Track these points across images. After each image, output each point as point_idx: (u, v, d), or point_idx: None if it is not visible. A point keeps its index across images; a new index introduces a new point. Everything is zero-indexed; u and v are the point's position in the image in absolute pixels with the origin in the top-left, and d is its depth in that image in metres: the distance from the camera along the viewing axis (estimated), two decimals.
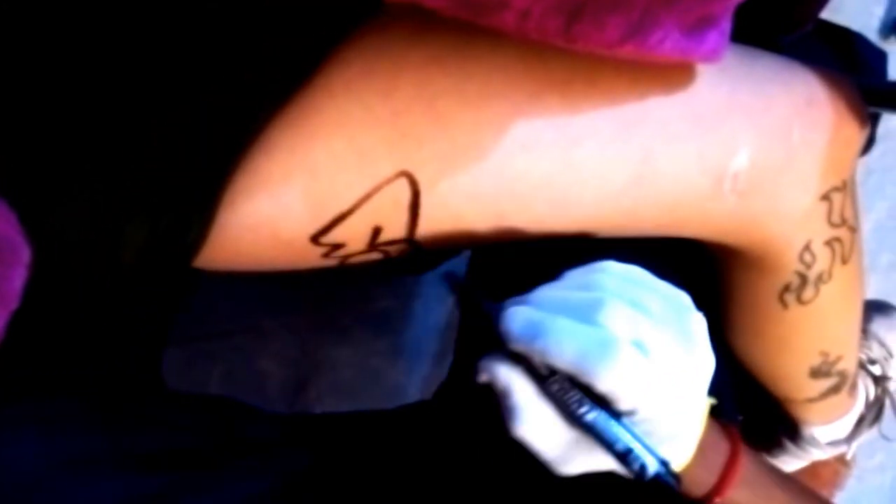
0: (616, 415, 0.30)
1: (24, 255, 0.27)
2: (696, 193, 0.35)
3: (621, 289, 0.31)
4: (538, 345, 0.29)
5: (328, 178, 0.31)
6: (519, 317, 0.30)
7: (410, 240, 0.34)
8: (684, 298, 0.33)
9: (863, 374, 0.66)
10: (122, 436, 0.34)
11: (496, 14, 0.26)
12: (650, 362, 0.29)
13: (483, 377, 0.32)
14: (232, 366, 0.94)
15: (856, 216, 0.42)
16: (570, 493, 0.44)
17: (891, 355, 0.69)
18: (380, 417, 0.51)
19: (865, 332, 0.70)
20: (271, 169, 0.31)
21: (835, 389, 0.52)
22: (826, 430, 0.59)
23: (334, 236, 0.33)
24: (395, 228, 0.33)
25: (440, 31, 0.31)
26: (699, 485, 0.36)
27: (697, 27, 0.29)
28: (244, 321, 0.93)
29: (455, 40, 0.31)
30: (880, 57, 0.76)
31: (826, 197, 0.38)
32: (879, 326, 0.71)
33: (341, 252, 0.34)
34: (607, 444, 0.30)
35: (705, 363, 0.32)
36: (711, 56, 0.30)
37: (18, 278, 0.27)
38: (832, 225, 0.39)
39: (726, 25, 0.31)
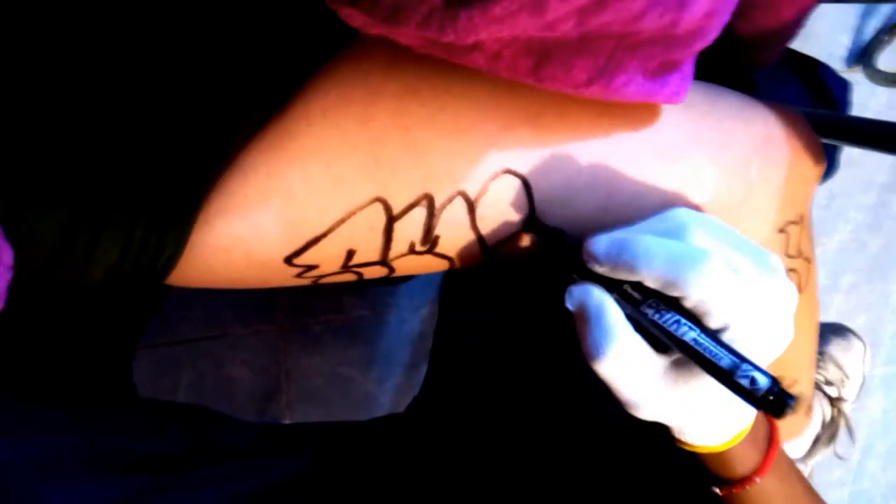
0: (700, 323, 0.29)
1: (6, 255, 0.27)
2: None
3: (702, 221, 0.31)
4: (626, 257, 0.29)
5: (304, 202, 0.32)
6: (603, 239, 0.30)
7: (384, 262, 0.34)
8: (762, 248, 0.32)
9: (819, 395, 0.68)
10: (97, 440, 0.34)
11: (467, 55, 0.27)
12: (742, 280, 0.29)
13: (572, 303, 0.32)
14: (201, 372, 0.93)
15: (811, 248, 0.43)
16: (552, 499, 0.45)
17: (847, 377, 0.71)
18: (353, 429, 0.51)
19: (823, 354, 0.72)
20: (247, 191, 0.31)
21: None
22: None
23: (308, 258, 0.33)
24: (368, 251, 0.34)
25: (417, 63, 0.32)
26: (744, 463, 0.36)
27: (660, 71, 0.30)
28: (214, 328, 0.93)
29: (431, 72, 0.32)
30: (843, 86, 0.79)
31: (783, 230, 0.40)
32: (836, 349, 0.74)
33: (314, 273, 0.34)
34: (710, 362, 0.28)
35: (790, 292, 0.31)
36: (673, 98, 0.32)
37: (1, 279, 0.27)
38: (789, 256, 0.41)
39: (688, 69, 0.32)
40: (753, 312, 0.29)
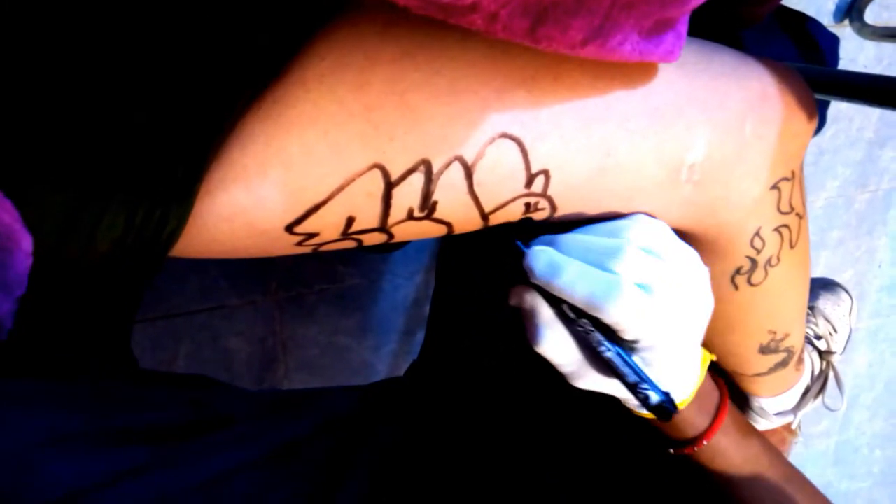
0: (621, 342, 0.36)
1: (26, 242, 0.27)
2: (653, 183, 0.37)
3: (642, 237, 0.36)
4: (556, 283, 0.35)
5: (303, 170, 0.32)
6: (542, 257, 0.35)
7: (383, 228, 0.35)
8: (694, 255, 0.38)
9: (809, 348, 0.69)
10: (102, 412, 0.35)
11: (465, 15, 0.27)
12: (652, 301, 0.34)
13: (513, 300, 0.39)
14: (198, 345, 0.93)
15: (803, 203, 0.44)
16: (557, 462, 0.47)
17: (835, 331, 0.73)
18: (354, 393, 0.52)
19: (812, 308, 0.74)
20: (247, 161, 0.31)
21: (782, 364, 0.55)
22: (774, 402, 0.62)
23: (308, 226, 0.33)
24: (368, 218, 0.34)
25: (412, 27, 0.32)
26: (693, 427, 0.42)
27: (655, 30, 0.30)
28: (209, 300, 0.93)
29: (426, 36, 0.32)
30: (832, 41, 0.79)
31: (776, 187, 0.40)
32: (825, 303, 0.75)
33: (315, 241, 0.35)
34: (619, 376, 0.36)
35: (703, 307, 0.37)
36: (667, 57, 0.32)
37: (21, 265, 0.27)
38: (781, 212, 0.41)
39: (683, 28, 0.32)
40: (660, 327, 0.35)
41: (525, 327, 0.38)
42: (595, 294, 0.34)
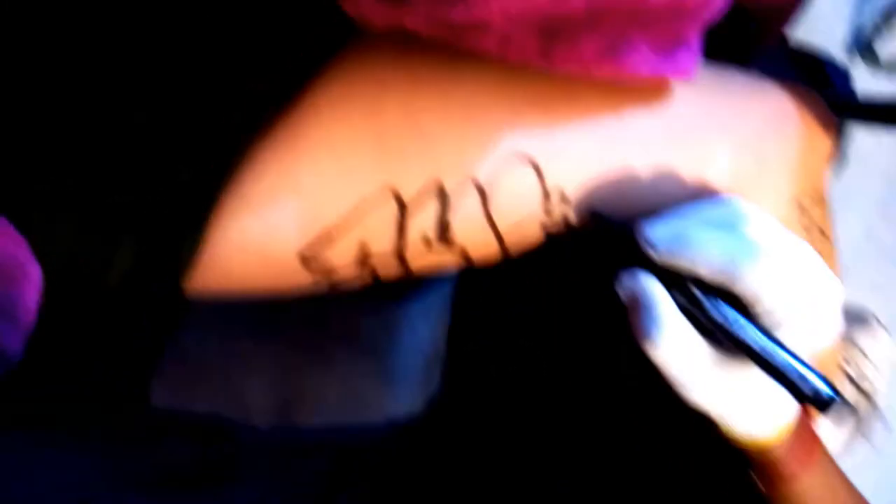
0: (753, 319, 0.31)
1: (35, 276, 0.27)
2: (672, 202, 0.36)
3: (755, 214, 0.32)
4: (686, 253, 0.30)
5: (315, 196, 0.31)
6: (664, 228, 0.31)
7: (398, 258, 0.34)
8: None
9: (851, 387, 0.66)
10: (117, 457, 0.34)
11: (477, 37, 0.27)
12: (790, 270, 0.30)
13: (623, 290, 0.33)
14: (214, 389, 0.92)
15: (828, 222, 0.43)
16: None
17: (876, 368, 0.70)
18: (371, 431, 0.51)
19: (853, 346, 0.71)
20: (259, 189, 0.31)
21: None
22: None
23: (322, 255, 0.33)
24: (382, 246, 0.33)
25: (424, 53, 0.32)
26: (794, 456, 0.35)
27: (670, 47, 0.30)
28: (226, 346, 0.92)
29: (438, 60, 0.32)
30: (843, 76, 0.79)
31: (798, 203, 0.39)
32: (863, 338, 0.72)
33: (329, 273, 0.34)
34: (772, 368, 0.30)
35: (836, 288, 0.32)
36: (684, 74, 0.32)
37: (31, 300, 0.27)
38: (804, 230, 0.40)
39: (696, 45, 0.32)
40: (801, 303, 0.30)
41: (636, 326, 0.32)
42: (735, 257, 0.30)
